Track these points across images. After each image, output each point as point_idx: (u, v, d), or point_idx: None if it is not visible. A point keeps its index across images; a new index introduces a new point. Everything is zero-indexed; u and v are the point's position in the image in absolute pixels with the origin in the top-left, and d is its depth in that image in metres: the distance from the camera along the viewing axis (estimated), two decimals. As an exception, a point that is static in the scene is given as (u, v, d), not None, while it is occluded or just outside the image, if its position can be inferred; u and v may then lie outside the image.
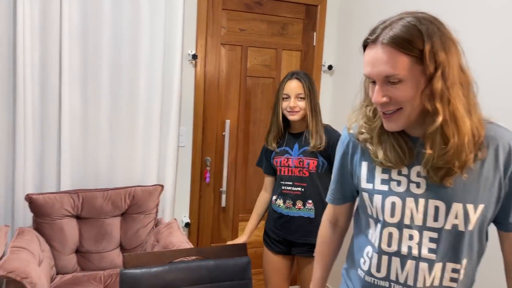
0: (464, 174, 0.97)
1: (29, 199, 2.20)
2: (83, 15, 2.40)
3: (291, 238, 2.01)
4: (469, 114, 0.95)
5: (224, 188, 2.94)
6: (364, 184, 1.12)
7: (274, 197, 2.07)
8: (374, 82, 0.99)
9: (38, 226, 2.23)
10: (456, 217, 1.00)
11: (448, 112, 0.93)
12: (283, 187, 2.01)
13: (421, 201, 1.02)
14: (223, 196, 2.95)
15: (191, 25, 2.72)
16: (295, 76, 1.96)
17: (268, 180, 2.17)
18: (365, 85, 1.08)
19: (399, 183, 1.05)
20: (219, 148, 2.94)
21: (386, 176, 1.07)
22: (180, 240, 2.22)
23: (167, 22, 2.58)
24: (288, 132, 2.04)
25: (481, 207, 1.00)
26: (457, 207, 0.99)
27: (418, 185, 1.03)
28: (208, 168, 2.91)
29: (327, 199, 1.31)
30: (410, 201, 1.03)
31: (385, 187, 1.07)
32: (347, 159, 1.18)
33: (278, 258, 2.08)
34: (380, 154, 1.05)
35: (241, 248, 1.65)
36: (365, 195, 1.12)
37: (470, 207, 0.99)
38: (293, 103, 1.93)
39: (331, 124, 2.09)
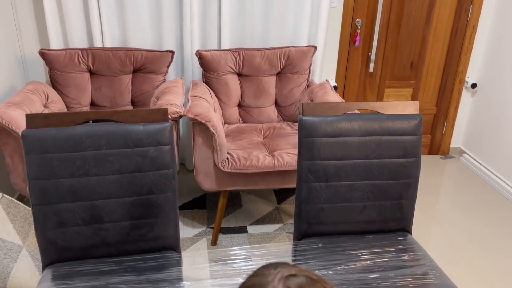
0: None
1: (199, 54, 2.41)
2: None
3: None
4: None
5: (373, 52, 2.85)
6: None
7: None
8: None
9: (207, 80, 2.48)
10: None
11: None
12: None
13: None
14: (372, 61, 2.88)
15: None
16: None
17: None
18: None
19: None
20: (372, 9, 2.77)
21: None
22: (336, 100, 2.29)
23: None
24: None
25: None
26: None
27: None
28: (358, 31, 2.81)
29: None
30: None
31: None
32: None
33: None
34: None
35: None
36: None
37: None
38: None
39: None
